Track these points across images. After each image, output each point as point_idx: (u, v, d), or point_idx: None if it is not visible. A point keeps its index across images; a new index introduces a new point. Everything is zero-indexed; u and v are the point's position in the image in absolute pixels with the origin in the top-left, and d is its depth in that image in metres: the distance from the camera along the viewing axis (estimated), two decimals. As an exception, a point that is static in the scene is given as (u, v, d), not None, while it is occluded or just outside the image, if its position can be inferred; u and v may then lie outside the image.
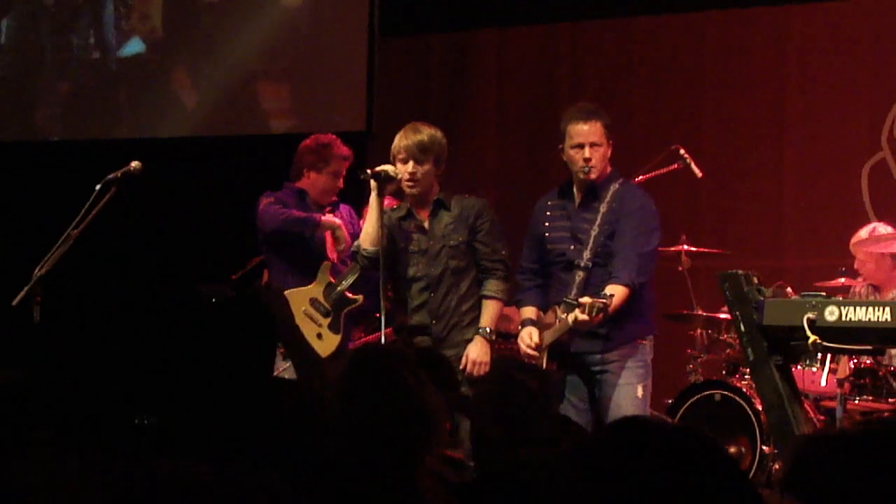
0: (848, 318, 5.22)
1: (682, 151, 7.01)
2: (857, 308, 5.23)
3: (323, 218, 6.80)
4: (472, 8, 9.32)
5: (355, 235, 6.81)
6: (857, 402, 6.65)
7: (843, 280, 7.16)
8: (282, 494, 1.58)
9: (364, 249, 6.05)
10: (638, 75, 8.88)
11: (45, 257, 6.06)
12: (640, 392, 5.88)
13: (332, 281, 6.73)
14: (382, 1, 9.19)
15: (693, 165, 6.99)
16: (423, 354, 4.42)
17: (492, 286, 6.00)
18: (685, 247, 7.47)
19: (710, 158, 7.99)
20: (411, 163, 5.98)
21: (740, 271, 5.55)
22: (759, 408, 6.74)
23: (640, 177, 7.01)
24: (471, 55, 9.38)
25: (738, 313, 5.43)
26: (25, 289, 6.02)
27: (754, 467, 6.82)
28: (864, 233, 7.05)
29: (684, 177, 7.13)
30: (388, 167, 6.01)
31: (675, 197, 8.24)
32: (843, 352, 5.75)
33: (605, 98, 8.95)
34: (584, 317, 5.56)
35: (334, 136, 7.04)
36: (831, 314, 5.22)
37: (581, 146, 5.91)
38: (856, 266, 7.12)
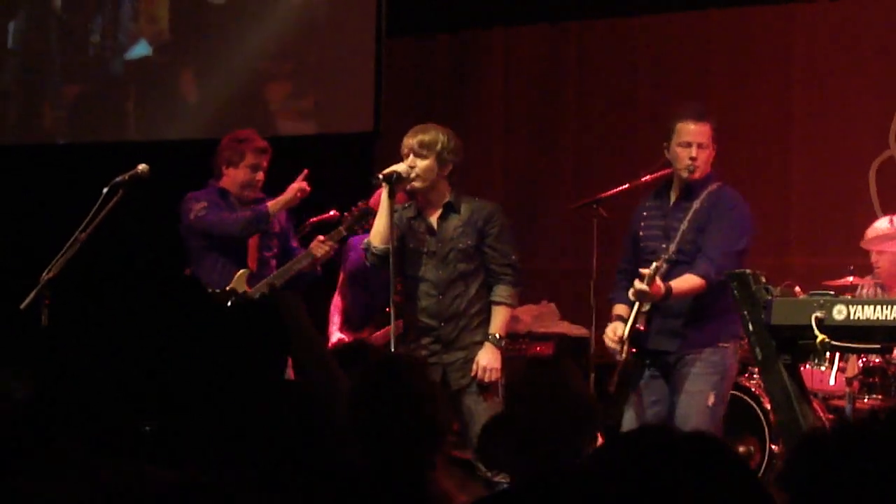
0: (856, 317, 5.21)
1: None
2: (866, 307, 5.23)
3: (269, 204, 6.73)
4: (478, 8, 9.32)
5: (283, 233, 6.83)
6: (866, 400, 6.64)
7: (851, 279, 7.14)
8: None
9: (374, 247, 6.05)
10: (644, 74, 8.88)
11: (52, 261, 6.07)
12: (710, 400, 5.82)
13: (248, 291, 6.66)
14: (389, 1, 9.19)
15: (700, 164, 6.98)
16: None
17: (501, 292, 5.98)
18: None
19: (716, 157, 7.98)
20: (410, 157, 6.00)
21: (748, 270, 5.55)
22: (768, 407, 6.73)
23: (647, 176, 7.00)
24: (477, 55, 9.38)
25: (746, 312, 5.42)
26: (33, 292, 6.03)
27: (763, 466, 6.82)
28: (882, 224, 6.97)
29: (691, 176, 7.12)
30: (398, 167, 6.03)
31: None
32: (852, 350, 5.75)
33: (611, 97, 8.96)
34: (642, 285, 5.59)
35: (252, 130, 6.96)
36: (839, 313, 5.21)
37: (689, 145, 5.95)
38: (872, 260, 7.05)
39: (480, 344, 5.95)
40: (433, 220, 6.06)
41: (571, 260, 7.94)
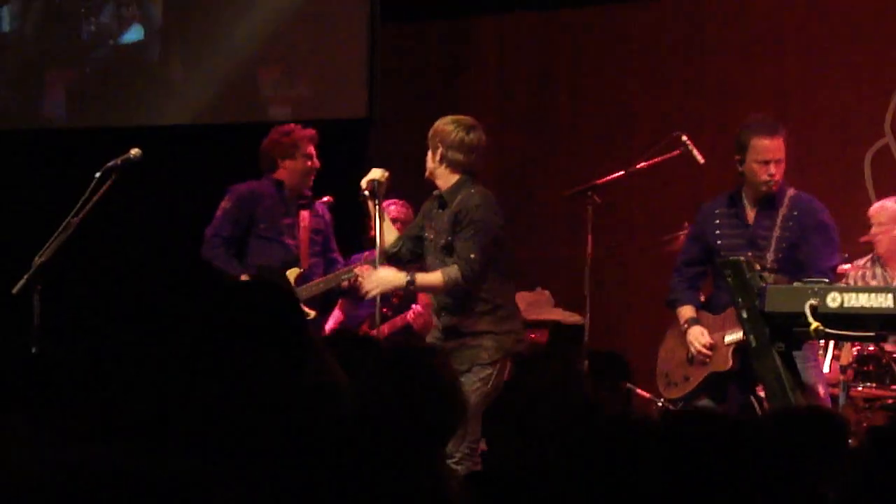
0: (850, 305, 5.22)
1: (683, 138, 6.99)
2: (860, 294, 5.23)
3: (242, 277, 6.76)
4: (472, -5, 9.31)
5: (325, 230, 6.91)
6: (860, 388, 6.64)
7: (847, 266, 7.14)
8: (216, 488, 1.57)
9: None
10: (638, 62, 8.86)
11: (45, 245, 6.06)
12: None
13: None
14: (383, -13, 9.17)
15: (695, 152, 6.98)
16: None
17: (450, 269, 5.94)
18: (686, 233, 7.44)
19: (711, 145, 7.97)
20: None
21: (742, 258, 5.55)
22: (762, 395, 6.73)
23: (642, 163, 7.00)
24: (471, 42, 9.36)
25: (740, 300, 5.42)
26: (25, 277, 6.02)
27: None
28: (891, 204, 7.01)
29: (686, 163, 7.12)
30: (373, 173, 6.18)
31: (676, 183, 8.24)
32: (846, 338, 5.75)
33: (605, 84, 8.94)
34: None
35: (292, 124, 7.08)
36: (833, 301, 5.21)
37: (767, 162, 5.96)
38: (871, 234, 7.04)
39: (481, 334, 5.96)
40: (435, 210, 6.15)
41: (566, 247, 7.93)
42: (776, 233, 5.98)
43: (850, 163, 8.25)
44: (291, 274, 6.73)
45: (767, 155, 5.98)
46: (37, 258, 6.03)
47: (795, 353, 5.76)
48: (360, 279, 6.55)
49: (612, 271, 8.43)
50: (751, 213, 6.10)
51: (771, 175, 5.97)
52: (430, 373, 3.11)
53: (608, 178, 7.10)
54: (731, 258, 5.59)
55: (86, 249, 6.96)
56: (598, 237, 7.13)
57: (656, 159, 6.98)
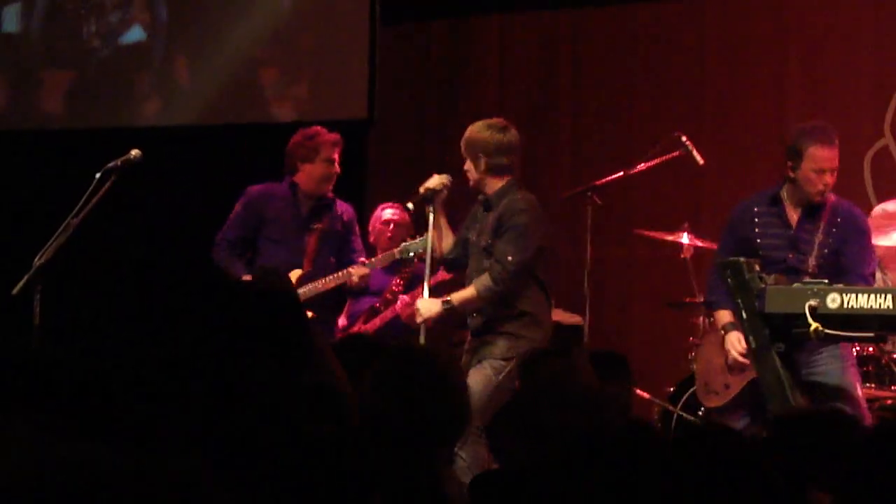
0: (850, 306, 5.22)
1: (683, 138, 6.99)
2: (859, 295, 5.23)
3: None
4: (472, -5, 9.31)
5: (341, 232, 6.91)
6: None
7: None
8: (203, 486, 1.57)
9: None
10: (639, 62, 8.86)
11: (45, 246, 6.06)
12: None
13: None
14: (384, -12, 9.17)
15: (694, 152, 6.98)
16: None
17: (482, 278, 6.01)
18: (687, 234, 7.45)
19: (711, 145, 7.97)
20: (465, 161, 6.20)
21: (742, 259, 5.55)
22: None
23: (642, 164, 7.00)
24: (472, 42, 9.36)
25: (739, 301, 5.42)
26: (26, 277, 6.02)
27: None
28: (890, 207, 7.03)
29: (686, 164, 7.12)
30: (430, 182, 6.19)
31: (676, 184, 8.24)
32: (845, 339, 5.74)
33: (606, 85, 8.95)
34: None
35: (318, 127, 7.06)
36: (833, 301, 5.21)
37: (822, 171, 5.93)
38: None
39: (499, 333, 5.98)
40: (480, 214, 6.21)
41: (566, 248, 7.93)
42: (819, 238, 5.94)
43: (849, 164, 8.23)
44: (294, 275, 6.75)
45: (825, 164, 5.93)
46: (37, 259, 6.04)
47: (833, 354, 5.77)
48: (353, 277, 6.66)
49: (611, 272, 8.44)
50: (793, 216, 6.03)
51: (826, 185, 5.94)
52: (434, 375, 3.11)
53: (608, 178, 7.10)
54: (729, 259, 5.59)
55: (86, 250, 6.96)
56: (598, 238, 7.13)
57: (656, 160, 6.98)
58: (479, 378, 5.86)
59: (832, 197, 6.04)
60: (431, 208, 6.15)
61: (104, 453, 1.61)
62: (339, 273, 6.77)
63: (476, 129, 6.13)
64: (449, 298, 6.06)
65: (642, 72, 8.83)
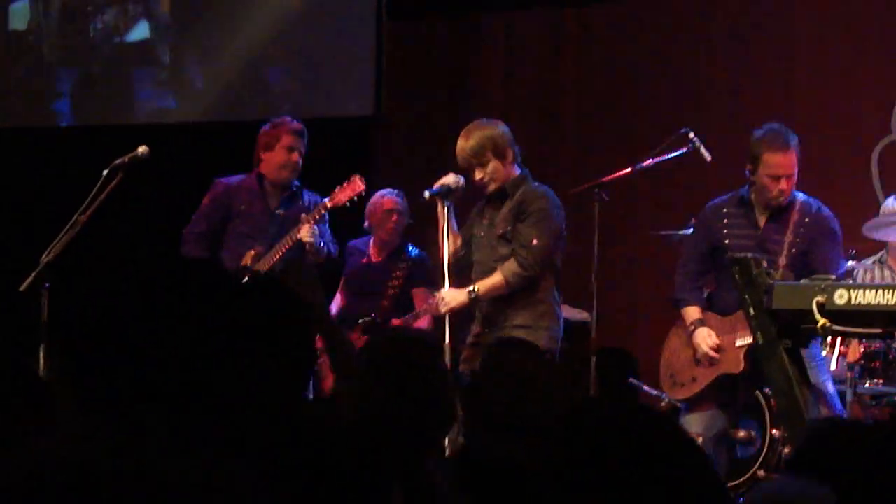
0: (857, 302, 5.21)
1: (691, 135, 6.98)
2: (867, 291, 5.22)
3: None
4: (479, -9, 9.31)
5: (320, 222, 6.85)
6: (867, 385, 6.63)
7: (851, 263, 7.12)
8: (238, 483, 1.57)
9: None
10: (646, 59, 8.85)
11: (52, 243, 6.07)
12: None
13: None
14: (390, -15, 9.17)
15: (702, 149, 6.97)
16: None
17: (507, 265, 6.01)
18: (694, 230, 7.43)
19: (718, 142, 7.96)
20: (476, 170, 6.10)
21: (749, 255, 5.55)
22: (769, 392, 6.72)
23: (649, 161, 6.99)
24: (478, 39, 9.36)
25: (747, 297, 5.42)
26: (33, 275, 6.03)
27: (764, 451, 6.81)
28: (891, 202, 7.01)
29: (693, 161, 7.11)
30: (447, 179, 6.15)
31: (683, 181, 8.22)
32: (853, 335, 5.75)
33: (612, 82, 8.94)
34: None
35: (288, 117, 7.01)
36: (841, 297, 5.21)
37: (777, 178, 5.94)
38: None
39: (521, 327, 5.96)
40: (491, 204, 6.19)
41: (572, 244, 7.92)
42: (788, 238, 5.97)
43: (857, 159, 8.24)
44: (248, 257, 6.69)
45: (779, 171, 5.96)
46: (44, 256, 6.04)
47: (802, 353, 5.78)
48: (301, 234, 6.52)
49: (619, 268, 8.43)
50: (761, 217, 6.09)
51: (781, 191, 5.97)
52: (417, 373, 3.08)
53: (615, 175, 7.09)
54: (738, 255, 5.59)
55: (93, 247, 6.96)
56: (605, 234, 7.12)
57: (664, 157, 6.97)
58: None
59: (801, 196, 6.06)
60: (446, 204, 6.12)
61: (102, 452, 1.61)
62: (287, 237, 6.65)
63: (485, 130, 6.14)
64: (474, 288, 6.02)
65: (649, 68, 8.82)
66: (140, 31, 9.64)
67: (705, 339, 6.02)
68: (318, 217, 6.65)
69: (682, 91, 8.69)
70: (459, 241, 6.25)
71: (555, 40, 9.13)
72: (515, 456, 3.04)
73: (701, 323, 6.06)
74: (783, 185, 5.97)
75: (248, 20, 9.32)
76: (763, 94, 8.51)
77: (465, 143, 6.10)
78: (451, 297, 6.02)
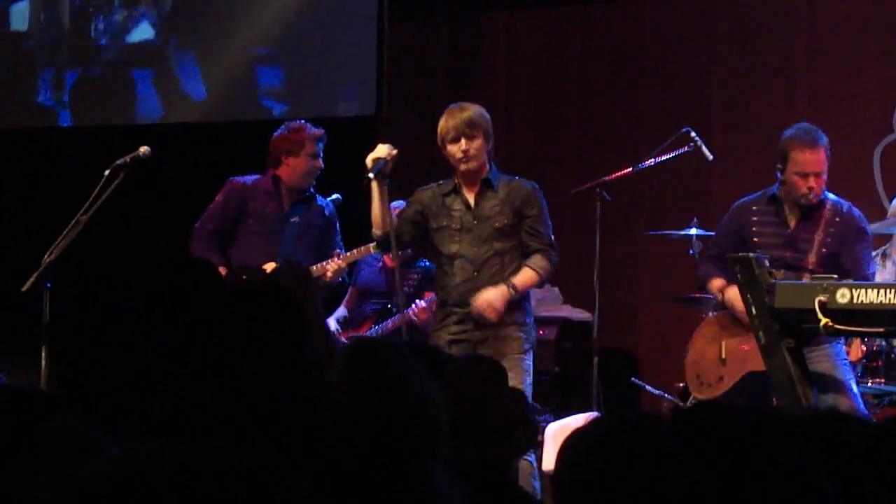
0: (859, 301, 5.21)
1: (692, 134, 6.98)
2: (869, 290, 5.22)
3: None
4: (480, -9, 9.30)
5: (322, 226, 6.85)
6: (869, 384, 6.63)
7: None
8: (290, 482, 1.56)
9: (373, 233, 6.08)
10: (648, 58, 8.85)
11: (54, 243, 6.07)
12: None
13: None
14: (391, -15, 9.17)
15: (704, 148, 6.97)
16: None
17: (536, 259, 5.95)
18: (696, 230, 7.44)
19: (720, 141, 7.96)
20: (463, 140, 5.95)
21: (751, 254, 5.54)
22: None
23: (651, 160, 6.99)
24: (480, 39, 9.36)
25: (749, 296, 5.41)
26: (35, 275, 6.03)
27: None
28: None
29: (695, 159, 7.11)
30: (380, 151, 6.02)
31: (685, 180, 8.23)
32: (855, 334, 5.74)
33: (615, 81, 8.94)
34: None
35: (304, 122, 7.02)
36: (843, 297, 5.21)
37: (806, 175, 5.92)
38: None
39: (513, 323, 5.92)
40: (471, 196, 6.03)
41: (574, 244, 7.92)
42: (818, 236, 5.94)
43: (859, 158, 8.23)
44: (268, 268, 6.70)
45: (807, 168, 5.93)
46: (46, 256, 6.04)
47: (825, 353, 5.77)
48: (328, 272, 6.57)
49: (620, 268, 8.43)
50: (791, 216, 6.03)
51: (810, 188, 5.93)
52: (393, 383, 3.02)
53: (617, 174, 7.10)
54: (739, 254, 5.58)
55: (94, 247, 6.97)
56: (607, 234, 7.12)
57: (665, 156, 6.97)
58: (522, 377, 5.79)
59: (831, 196, 6.04)
60: (378, 179, 5.93)
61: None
62: (315, 266, 6.69)
63: (478, 108, 6.07)
64: (511, 285, 5.91)
65: (651, 68, 8.82)
66: (141, 32, 9.64)
67: (738, 297, 5.93)
68: (350, 260, 6.85)
69: (683, 90, 8.69)
70: (390, 218, 6.02)
71: (555, 40, 9.13)
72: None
73: (729, 286, 5.97)
74: (812, 182, 5.93)
75: (249, 20, 9.32)
76: (765, 93, 8.51)
77: (460, 113, 5.97)
78: (495, 298, 5.85)
